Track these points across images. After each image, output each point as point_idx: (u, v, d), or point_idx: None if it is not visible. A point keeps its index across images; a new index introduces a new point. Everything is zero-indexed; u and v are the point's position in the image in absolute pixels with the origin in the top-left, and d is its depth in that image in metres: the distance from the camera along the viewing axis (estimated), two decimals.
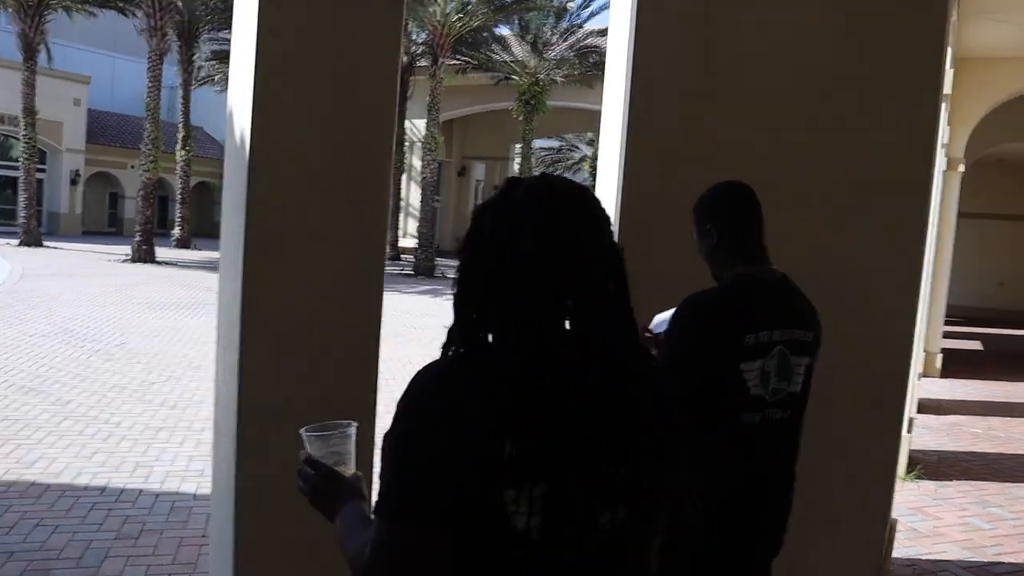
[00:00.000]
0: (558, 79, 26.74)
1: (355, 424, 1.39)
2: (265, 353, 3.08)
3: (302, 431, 1.37)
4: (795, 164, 3.25)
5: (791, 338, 2.02)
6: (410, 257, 27.00)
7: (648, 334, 2.15)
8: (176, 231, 28.76)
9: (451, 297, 1.19)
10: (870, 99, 3.27)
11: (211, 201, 38.26)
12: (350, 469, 1.36)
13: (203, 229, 35.06)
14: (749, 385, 1.96)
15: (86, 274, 18.45)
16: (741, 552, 2.06)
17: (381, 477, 1.11)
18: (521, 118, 26.75)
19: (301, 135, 3.10)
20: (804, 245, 3.29)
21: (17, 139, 27.52)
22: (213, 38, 27.35)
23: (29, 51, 24.87)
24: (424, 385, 1.11)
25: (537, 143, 30.79)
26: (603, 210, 1.22)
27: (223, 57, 27.26)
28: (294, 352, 3.09)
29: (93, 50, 38.33)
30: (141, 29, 24.20)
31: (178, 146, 27.73)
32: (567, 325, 1.17)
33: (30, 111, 24.93)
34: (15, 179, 28.28)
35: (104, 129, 35.65)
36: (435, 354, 1.17)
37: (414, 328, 12.00)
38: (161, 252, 23.55)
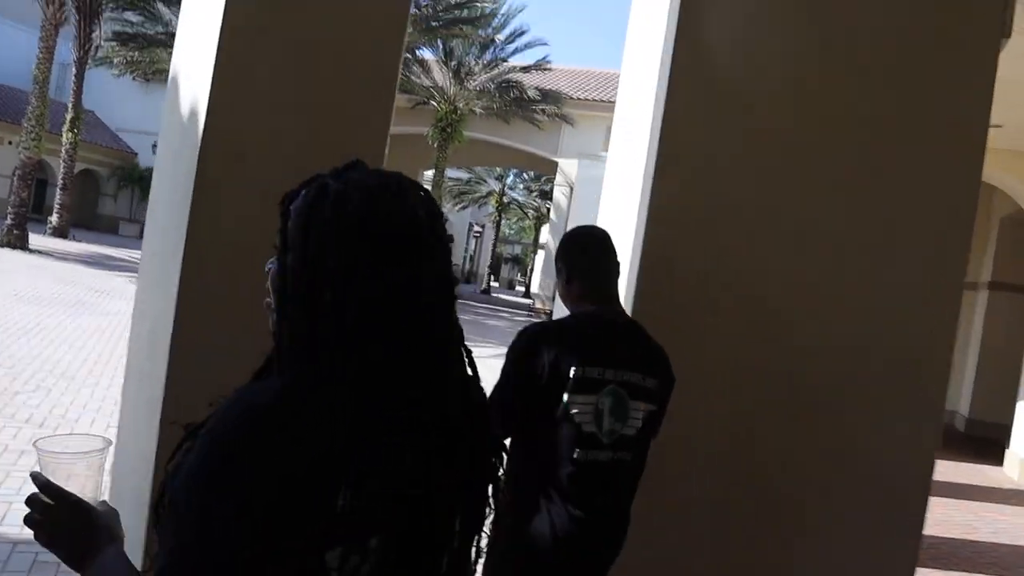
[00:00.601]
0: (477, 110, 26.47)
1: (111, 441, 1.13)
2: (198, 379, 2.42)
3: (40, 444, 1.07)
4: (828, 213, 3.00)
5: (627, 380, 2.02)
6: None
7: None
8: (53, 218, 26.71)
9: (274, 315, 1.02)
10: (913, 138, 3.03)
11: (96, 191, 36.33)
12: (98, 498, 1.10)
13: (83, 220, 33.22)
14: (579, 421, 1.96)
15: None
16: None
17: (174, 529, 0.91)
18: (436, 145, 26.30)
19: (273, 112, 2.51)
20: (834, 298, 3.00)
21: None
22: (116, 18, 25.74)
23: None
24: (242, 420, 0.92)
25: (446, 173, 30.38)
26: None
27: (125, 40, 25.76)
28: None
29: None
30: None
31: (65, 127, 25.86)
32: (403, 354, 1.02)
33: None
34: None
35: None
36: None
37: None
38: (35, 240, 21.61)
